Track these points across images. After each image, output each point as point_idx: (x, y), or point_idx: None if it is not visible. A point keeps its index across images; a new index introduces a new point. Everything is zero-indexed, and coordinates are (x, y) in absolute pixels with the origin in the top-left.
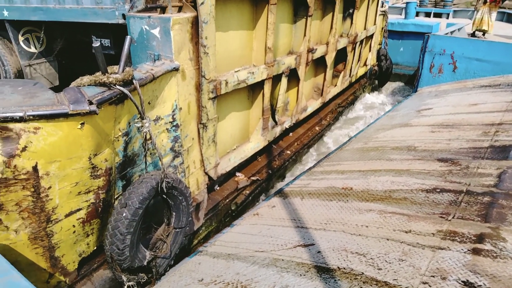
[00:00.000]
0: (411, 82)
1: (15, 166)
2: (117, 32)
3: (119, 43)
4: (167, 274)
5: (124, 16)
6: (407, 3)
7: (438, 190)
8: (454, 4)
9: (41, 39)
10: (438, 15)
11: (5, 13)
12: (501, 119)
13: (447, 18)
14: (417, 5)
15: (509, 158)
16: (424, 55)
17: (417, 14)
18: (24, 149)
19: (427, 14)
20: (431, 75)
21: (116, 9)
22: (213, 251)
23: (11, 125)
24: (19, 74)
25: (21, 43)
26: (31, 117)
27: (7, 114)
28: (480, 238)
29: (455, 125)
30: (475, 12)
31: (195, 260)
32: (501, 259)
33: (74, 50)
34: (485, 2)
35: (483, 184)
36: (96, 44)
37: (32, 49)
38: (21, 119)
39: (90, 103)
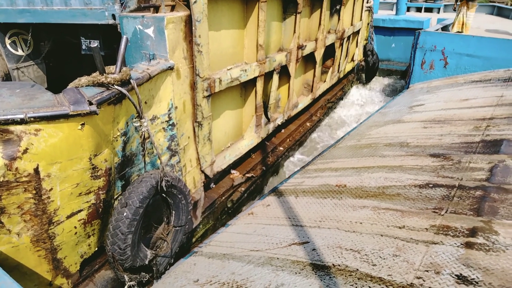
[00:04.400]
0: (403, 77)
1: (16, 168)
2: (106, 33)
3: (108, 44)
4: (162, 276)
5: (114, 16)
6: None
7: (431, 185)
8: None
9: (28, 41)
10: (429, 10)
11: None
12: (492, 113)
13: (438, 12)
14: (408, 0)
15: (500, 152)
16: (415, 51)
17: (408, 9)
18: (25, 151)
19: (418, 9)
20: (422, 71)
21: (105, 10)
22: (208, 252)
23: (12, 128)
24: (7, 78)
25: (8, 46)
26: (32, 119)
27: (8, 117)
28: (473, 232)
29: (446, 121)
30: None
31: (190, 261)
32: (493, 252)
33: (61, 52)
34: (462, 0)
35: (475, 179)
36: (94, 44)
37: (20, 52)
38: (22, 121)
39: (90, 103)
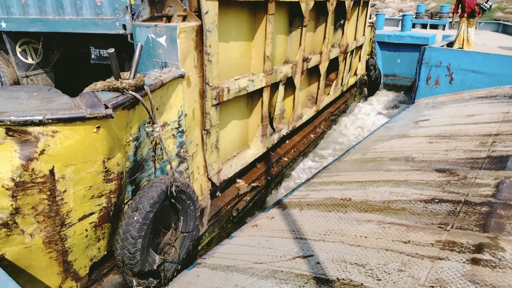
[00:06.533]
0: (409, 93)
1: (32, 169)
2: (116, 43)
3: (117, 54)
4: (167, 286)
5: (124, 26)
6: (403, 15)
7: (437, 200)
8: (450, 16)
9: (39, 50)
10: (434, 27)
11: (3, 24)
12: (498, 129)
13: (443, 29)
14: (413, 17)
15: (506, 168)
16: (421, 67)
17: (414, 25)
18: (42, 152)
19: (424, 26)
20: (428, 87)
21: (116, 20)
22: (212, 263)
23: (30, 129)
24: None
25: (19, 55)
26: (49, 121)
27: (27, 118)
28: (479, 248)
29: (452, 136)
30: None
31: (193, 273)
32: (500, 269)
33: (70, 62)
34: (462, 17)
35: (481, 194)
36: (111, 50)
37: (29, 61)
38: (40, 123)
39: (106, 107)
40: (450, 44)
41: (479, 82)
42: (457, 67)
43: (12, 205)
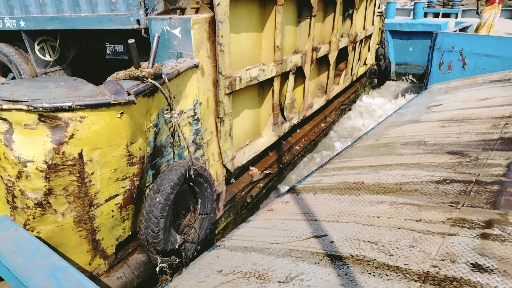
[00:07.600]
0: (421, 81)
1: (63, 152)
2: (130, 38)
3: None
4: (188, 267)
5: (138, 21)
6: (415, 3)
7: (448, 181)
8: (462, 4)
9: (56, 47)
10: (446, 15)
11: (22, 23)
12: (511, 112)
13: (456, 17)
14: (425, 6)
15: None
16: (433, 52)
17: (426, 15)
18: (71, 136)
19: (436, 15)
20: (440, 72)
21: (130, 15)
22: (231, 245)
23: (60, 115)
24: None
25: (37, 52)
26: (78, 107)
27: (57, 104)
28: (489, 224)
29: (465, 120)
30: (481, 15)
31: (213, 254)
32: (509, 243)
33: (85, 58)
34: (492, 3)
35: (492, 174)
36: (131, 40)
37: (47, 58)
38: (69, 109)
39: (129, 94)
40: (463, 30)
41: (493, 66)
42: (469, 51)
43: (45, 186)
